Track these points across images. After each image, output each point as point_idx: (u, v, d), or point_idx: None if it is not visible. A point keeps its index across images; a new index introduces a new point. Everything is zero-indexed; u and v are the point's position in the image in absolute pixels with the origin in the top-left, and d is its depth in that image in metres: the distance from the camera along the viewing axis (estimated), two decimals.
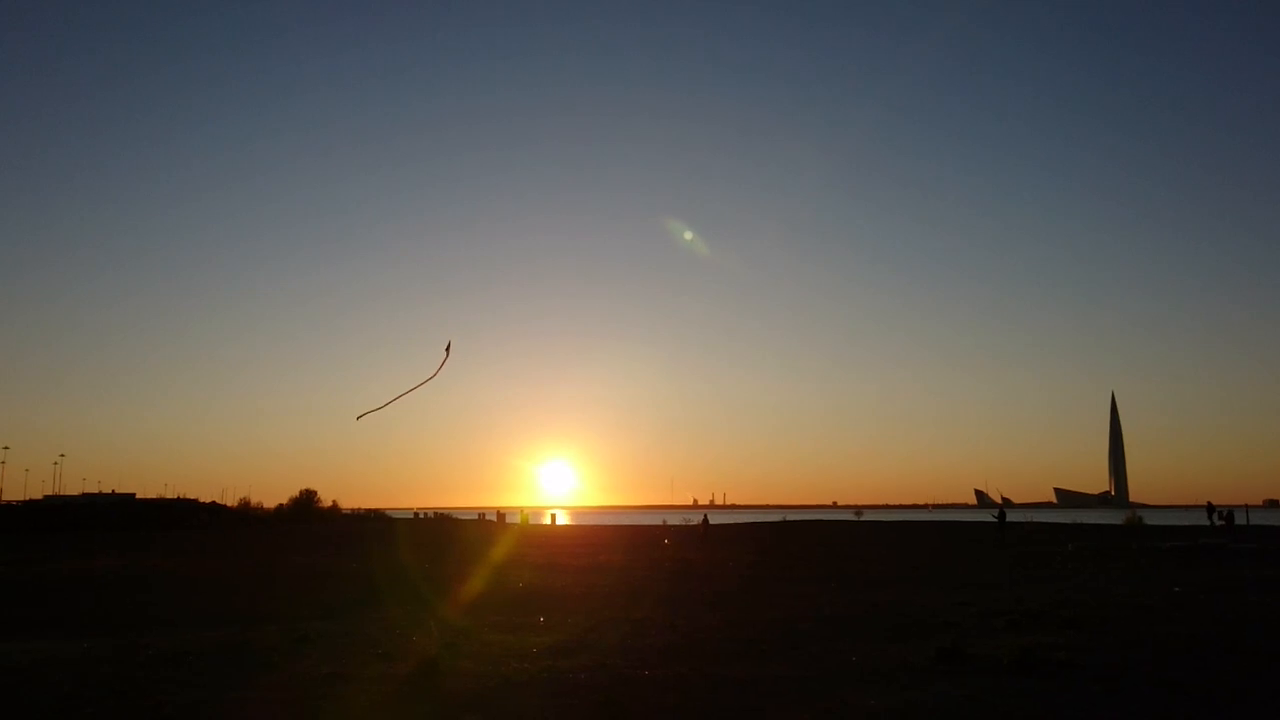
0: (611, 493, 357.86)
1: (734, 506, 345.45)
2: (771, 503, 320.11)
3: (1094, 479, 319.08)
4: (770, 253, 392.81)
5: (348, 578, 24.94)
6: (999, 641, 11.38)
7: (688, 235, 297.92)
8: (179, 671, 10.27)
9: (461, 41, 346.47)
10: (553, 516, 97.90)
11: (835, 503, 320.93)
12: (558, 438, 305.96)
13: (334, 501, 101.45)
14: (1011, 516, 49.34)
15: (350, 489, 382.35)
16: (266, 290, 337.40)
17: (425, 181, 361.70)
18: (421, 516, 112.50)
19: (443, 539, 51.35)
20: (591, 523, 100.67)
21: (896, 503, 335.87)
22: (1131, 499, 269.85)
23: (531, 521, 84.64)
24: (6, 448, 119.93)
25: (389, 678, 9.90)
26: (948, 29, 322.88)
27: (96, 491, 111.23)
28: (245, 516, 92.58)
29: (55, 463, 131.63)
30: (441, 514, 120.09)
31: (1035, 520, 56.72)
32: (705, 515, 63.06)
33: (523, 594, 20.32)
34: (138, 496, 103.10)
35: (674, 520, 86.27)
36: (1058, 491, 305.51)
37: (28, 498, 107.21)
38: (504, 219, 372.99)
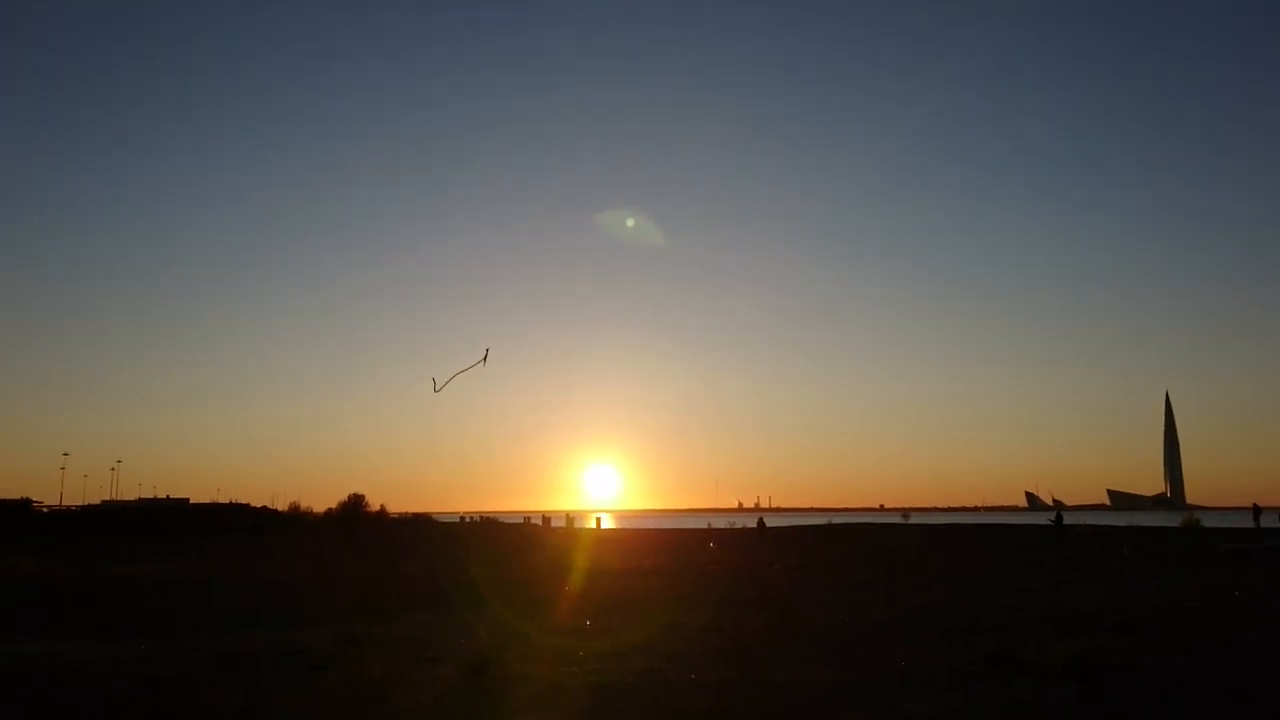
0: (655, 496, 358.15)
1: (779, 509, 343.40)
2: (817, 505, 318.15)
3: (1148, 480, 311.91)
4: (815, 256, 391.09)
5: (396, 581, 25.20)
6: (1050, 646, 11.19)
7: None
8: (230, 674, 10.44)
9: (492, 45, 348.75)
10: (598, 520, 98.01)
11: (882, 505, 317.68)
12: (601, 441, 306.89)
13: (381, 506, 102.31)
14: (1065, 519, 48.57)
15: (396, 493, 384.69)
16: (314, 296, 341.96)
17: (464, 183, 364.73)
18: (467, 520, 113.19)
19: (489, 543, 51.71)
20: (636, 526, 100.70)
21: (945, 505, 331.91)
22: (1188, 501, 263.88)
23: (577, 525, 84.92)
24: (66, 454, 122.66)
25: (438, 680, 9.99)
26: (996, 26, 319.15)
27: (152, 497, 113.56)
28: (295, 521, 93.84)
29: (112, 469, 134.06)
30: (487, 518, 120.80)
31: (1088, 523, 55.81)
32: (761, 519, 62.47)
33: (570, 597, 20.39)
34: (191, 501, 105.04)
35: (719, 523, 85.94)
36: (1111, 493, 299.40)
37: (86, 503, 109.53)
38: (544, 221, 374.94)
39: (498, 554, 39.24)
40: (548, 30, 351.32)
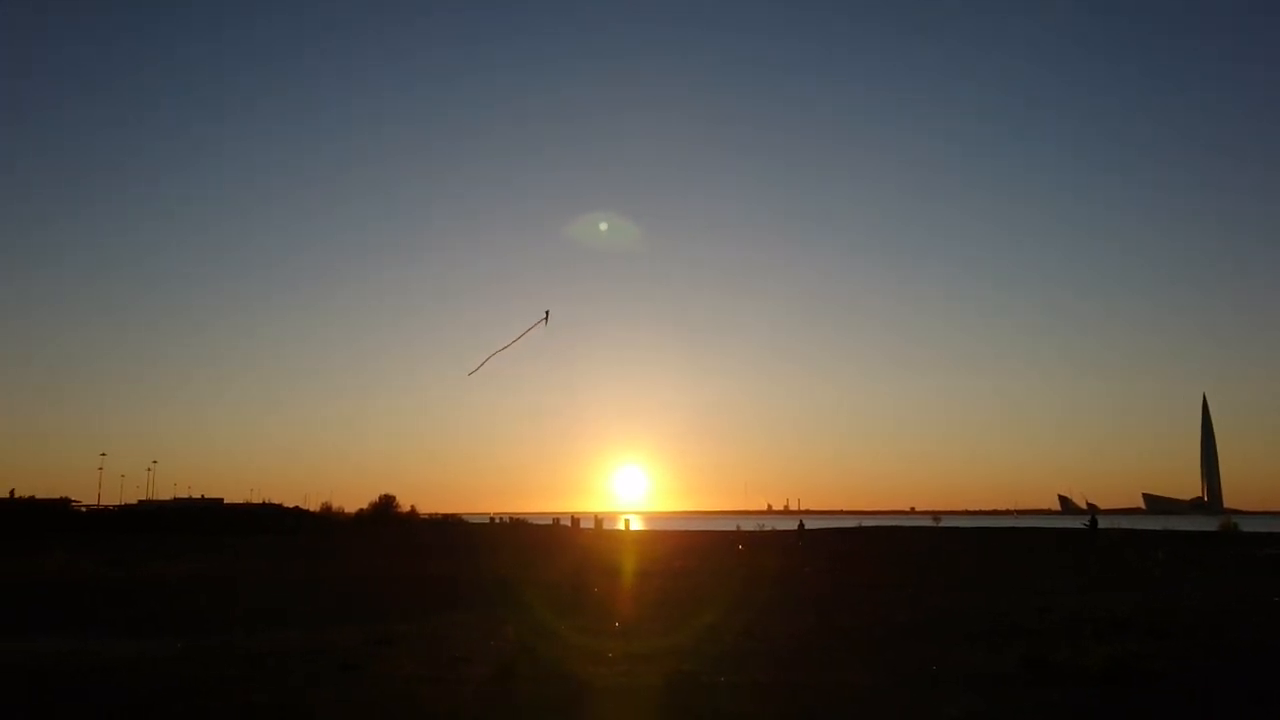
0: (684, 498, 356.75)
1: (809, 512, 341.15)
2: (848, 508, 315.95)
3: (1185, 484, 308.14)
4: (845, 256, 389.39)
5: (427, 581, 25.33)
6: (1085, 650, 11.05)
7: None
8: (262, 672, 10.55)
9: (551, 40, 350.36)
10: (626, 522, 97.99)
11: (913, 508, 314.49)
12: (630, 443, 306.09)
13: (412, 506, 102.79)
14: (1099, 523, 47.99)
15: (426, 494, 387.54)
16: (346, 297, 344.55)
17: (482, 184, 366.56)
18: (497, 521, 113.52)
19: (518, 543, 51.89)
20: (665, 528, 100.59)
21: (976, 509, 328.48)
22: (1226, 505, 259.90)
23: (606, 526, 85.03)
24: (104, 455, 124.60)
25: (467, 680, 10.03)
26: (997, 24, 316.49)
27: (187, 497, 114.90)
28: (327, 521, 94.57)
29: (149, 469, 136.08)
30: (516, 519, 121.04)
31: (1123, 526, 55.12)
32: (801, 521, 61.87)
33: (599, 598, 20.41)
34: (225, 502, 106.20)
35: (748, 526, 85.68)
36: (1146, 497, 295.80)
37: (123, 502, 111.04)
38: (560, 221, 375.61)
39: (527, 555, 39.35)
40: (548, 30, 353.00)
